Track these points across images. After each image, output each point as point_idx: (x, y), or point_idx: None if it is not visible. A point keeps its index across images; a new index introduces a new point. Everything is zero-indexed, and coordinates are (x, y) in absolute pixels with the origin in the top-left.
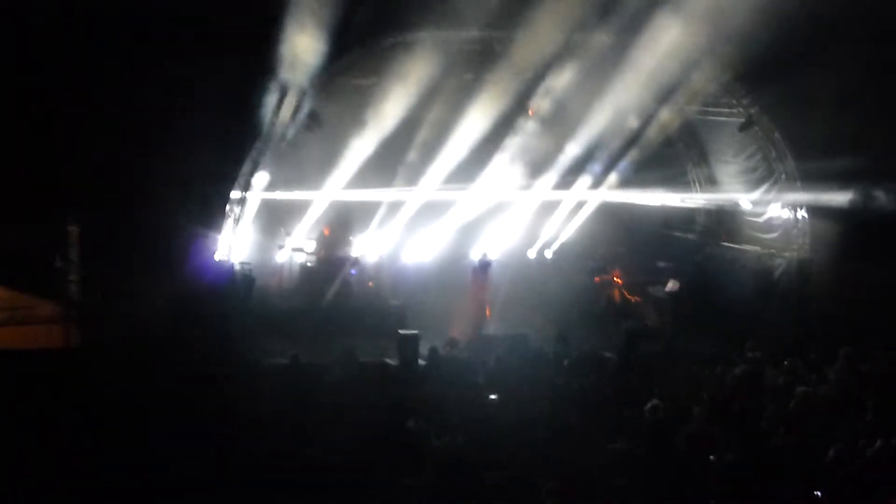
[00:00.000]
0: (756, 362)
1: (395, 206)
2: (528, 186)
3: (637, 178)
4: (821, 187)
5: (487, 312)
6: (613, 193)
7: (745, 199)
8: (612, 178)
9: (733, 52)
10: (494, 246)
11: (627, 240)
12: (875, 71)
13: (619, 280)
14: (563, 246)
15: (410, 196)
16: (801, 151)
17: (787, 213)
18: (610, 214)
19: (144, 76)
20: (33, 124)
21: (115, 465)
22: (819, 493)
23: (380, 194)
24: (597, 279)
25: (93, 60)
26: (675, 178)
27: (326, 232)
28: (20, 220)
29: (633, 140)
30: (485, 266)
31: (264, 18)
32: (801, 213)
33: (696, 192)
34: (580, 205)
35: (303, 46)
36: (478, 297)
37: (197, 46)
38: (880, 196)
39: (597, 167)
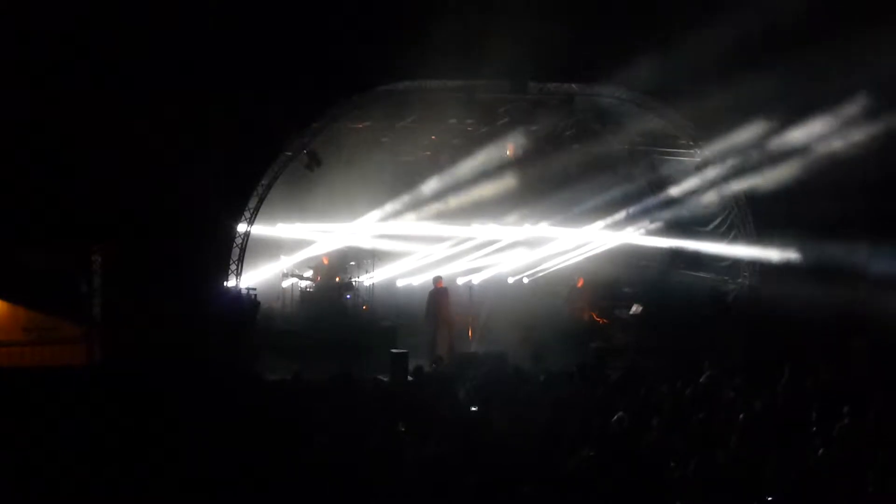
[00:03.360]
0: (711, 378)
1: (391, 237)
2: (511, 222)
3: (606, 214)
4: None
5: (470, 334)
6: (586, 231)
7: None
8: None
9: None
10: (478, 272)
11: (599, 269)
12: None
13: (586, 305)
14: (538, 273)
15: (404, 228)
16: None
17: (737, 234)
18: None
19: (165, 115)
20: (62, 158)
21: (131, 472)
22: (770, 499)
23: (377, 227)
24: (572, 302)
25: (121, 97)
26: (639, 212)
27: (325, 261)
28: (47, 246)
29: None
30: (466, 290)
31: (274, 65)
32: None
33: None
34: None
35: (306, 92)
36: (461, 318)
37: (217, 91)
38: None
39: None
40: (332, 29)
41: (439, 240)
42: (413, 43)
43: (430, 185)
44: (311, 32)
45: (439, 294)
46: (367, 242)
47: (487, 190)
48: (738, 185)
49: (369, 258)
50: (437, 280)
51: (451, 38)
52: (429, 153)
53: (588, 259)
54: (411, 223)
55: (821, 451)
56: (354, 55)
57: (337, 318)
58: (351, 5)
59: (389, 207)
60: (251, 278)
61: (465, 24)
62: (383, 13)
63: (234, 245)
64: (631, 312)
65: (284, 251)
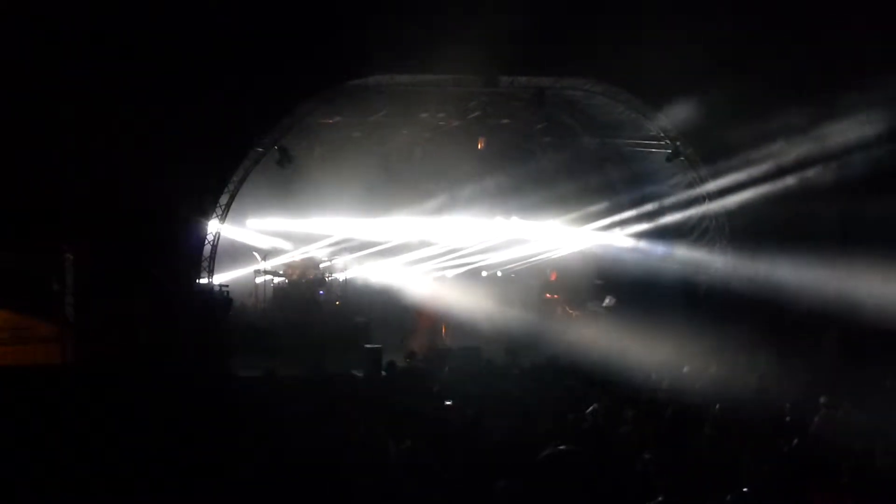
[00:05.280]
0: (684, 370)
1: (362, 234)
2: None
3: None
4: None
5: (443, 329)
6: (560, 225)
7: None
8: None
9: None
10: (452, 266)
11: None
12: None
13: (559, 298)
14: (511, 266)
15: (376, 224)
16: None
17: (710, 234)
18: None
19: (137, 114)
20: (32, 157)
21: (107, 470)
22: (746, 490)
23: (348, 223)
24: (546, 295)
25: (91, 95)
26: (611, 205)
27: (297, 256)
28: (20, 246)
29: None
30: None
31: (243, 61)
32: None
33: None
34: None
35: (275, 89)
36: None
37: (185, 89)
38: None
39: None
40: (302, 24)
41: (414, 235)
42: (383, 37)
43: (404, 180)
44: (280, 27)
45: (412, 290)
46: (340, 238)
47: (460, 183)
48: (714, 185)
49: (343, 254)
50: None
51: (421, 32)
52: (401, 147)
53: (561, 254)
54: (386, 218)
55: (795, 441)
56: (324, 50)
57: (310, 314)
58: (320, 0)
59: (363, 202)
60: (224, 275)
61: (434, 18)
62: (353, 8)
63: (206, 242)
64: (604, 305)
65: (258, 247)
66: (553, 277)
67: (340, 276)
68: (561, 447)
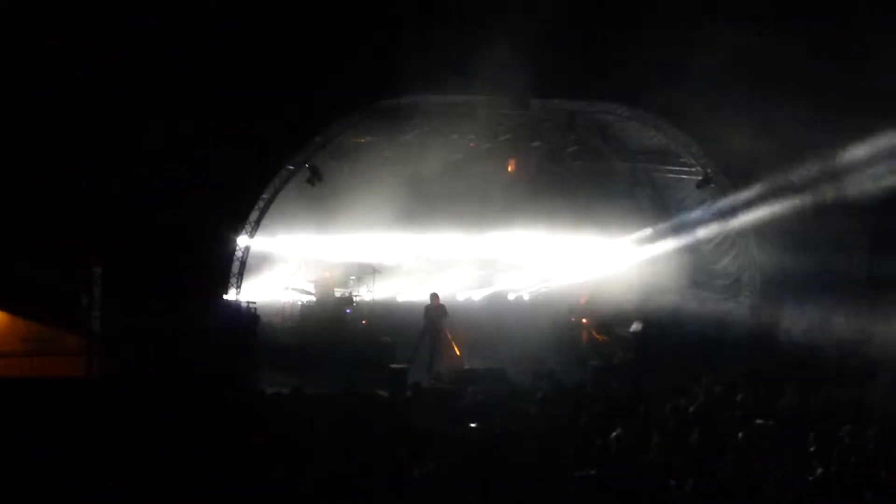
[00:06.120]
0: (712, 396)
1: (392, 253)
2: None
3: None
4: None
5: (457, 351)
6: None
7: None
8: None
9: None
10: (480, 289)
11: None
12: None
13: (586, 322)
14: (539, 290)
15: (402, 243)
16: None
17: (739, 262)
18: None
19: (169, 129)
20: (63, 172)
21: (131, 485)
22: None
23: (378, 242)
24: (572, 319)
25: (124, 111)
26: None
27: (326, 274)
28: (49, 261)
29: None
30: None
31: (276, 79)
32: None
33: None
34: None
35: (309, 106)
36: (456, 335)
37: (218, 106)
38: None
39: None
40: (335, 43)
41: (444, 255)
42: (415, 58)
43: (434, 200)
44: (313, 47)
45: (436, 311)
46: (368, 257)
47: (491, 204)
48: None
49: (370, 273)
50: (434, 297)
51: (453, 54)
52: (431, 168)
53: (591, 277)
54: (415, 237)
55: (819, 471)
56: (357, 70)
57: (336, 333)
58: (353, 20)
59: (392, 222)
60: (251, 292)
61: (467, 40)
62: (386, 28)
63: (235, 259)
64: (631, 330)
65: (287, 264)
66: (584, 301)
67: (368, 296)
68: (591, 472)
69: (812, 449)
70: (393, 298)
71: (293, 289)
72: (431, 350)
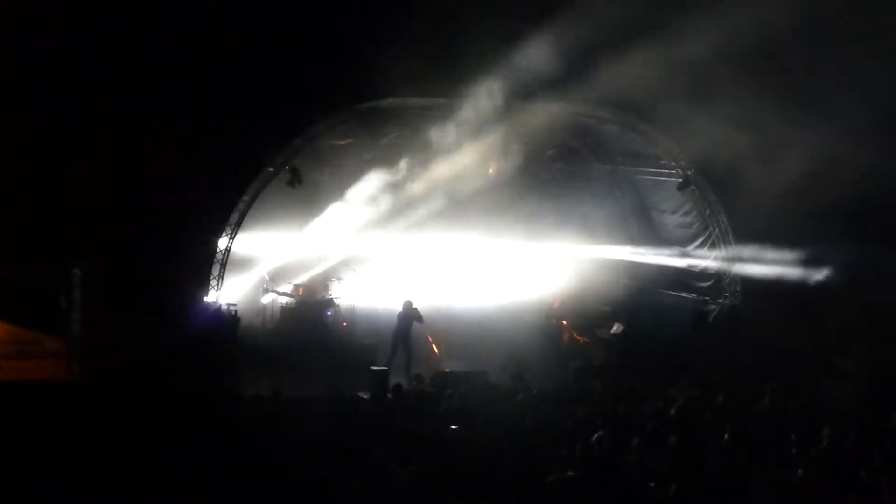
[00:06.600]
0: (692, 398)
1: (370, 254)
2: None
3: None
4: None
5: (436, 351)
6: (567, 247)
7: (681, 252)
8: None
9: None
10: (459, 293)
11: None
12: None
13: (566, 323)
14: (519, 292)
15: (382, 245)
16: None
17: (719, 264)
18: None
19: (149, 131)
20: (41, 173)
21: (110, 487)
22: None
23: (356, 243)
24: (552, 320)
25: (102, 112)
26: (619, 232)
27: (306, 276)
28: (29, 263)
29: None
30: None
31: (256, 81)
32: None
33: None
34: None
35: (288, 110)
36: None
37: (197, 107)
38: None
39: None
40: (315, 45)
41: (423, 257)
42: (396, 60)
43: (414, 201)
44: (293, 48)
45: (410, 314)
46: (349, 259)
47: (471, 206)
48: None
49: (351, 275)
50: (408, 302)
51: (434, 56)
52: (412, 170)
53: (567, 278)
54: (395, 238)
55: (800, 472)
56: (337, 72)
57: (317, 335)
58: (333, 22)
59: (373, 224)
60: (232, 294)
61: (448, 42)
62: (365, 31)
63: (215, 261)
64: (612, 331)
65: (267, 266)
66: (557, 304)
67: (348, 298)
68: (570, 473)
69: (793, 451)
70: (373, 301)
71: (273, 290)
72: (407, 353)
